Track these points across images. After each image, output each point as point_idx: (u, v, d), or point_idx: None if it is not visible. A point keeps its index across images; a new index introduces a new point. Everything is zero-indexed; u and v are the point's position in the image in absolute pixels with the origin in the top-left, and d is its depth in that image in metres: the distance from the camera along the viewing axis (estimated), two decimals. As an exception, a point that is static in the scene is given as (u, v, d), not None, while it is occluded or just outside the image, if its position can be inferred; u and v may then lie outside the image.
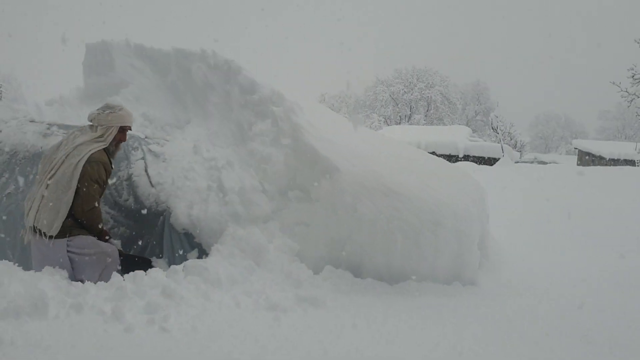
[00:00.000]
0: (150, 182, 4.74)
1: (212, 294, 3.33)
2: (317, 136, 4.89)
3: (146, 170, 4.84)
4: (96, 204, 3.92)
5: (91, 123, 4.06)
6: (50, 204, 3.74)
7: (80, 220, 3.88)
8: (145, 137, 5.25)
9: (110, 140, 4.03)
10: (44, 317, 2.85)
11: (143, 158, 4.95)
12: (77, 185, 3.78)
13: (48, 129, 5.11)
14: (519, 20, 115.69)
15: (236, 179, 4.81)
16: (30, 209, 3.86)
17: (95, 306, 3.03)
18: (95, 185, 3.88)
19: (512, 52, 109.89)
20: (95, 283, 3.48)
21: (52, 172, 3.82)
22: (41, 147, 4.88)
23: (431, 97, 57.36)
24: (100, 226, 3.99)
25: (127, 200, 4.75)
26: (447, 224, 4.33)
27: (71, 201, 3.77)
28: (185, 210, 4.54)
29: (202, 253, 4.42)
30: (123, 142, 4.24)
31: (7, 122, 5.25)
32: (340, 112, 56.38)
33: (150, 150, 5.03)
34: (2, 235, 4.55)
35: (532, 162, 28.49)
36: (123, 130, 4.13)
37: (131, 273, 3.57)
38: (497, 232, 5.98)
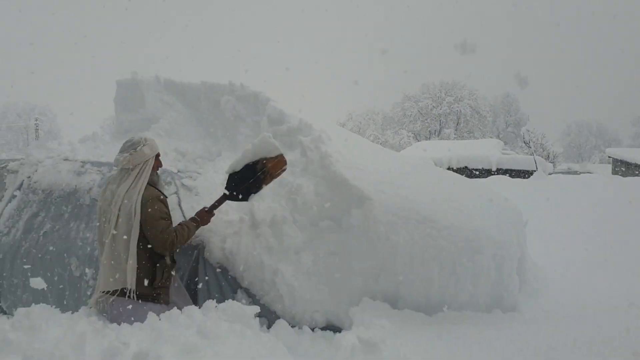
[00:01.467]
0: (184, 216, 4.77)
1: (247, 333, 3.30)
2: (346, 164, 4.85)
3: (180, 205, 4.86)
4: (173, 236, 3.85)
5: (124, 167, 3.97)
6: (124, 256, 3.71)
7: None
8: (178, 171, 5.30)
9: (151, 173, 4.00)
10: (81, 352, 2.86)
11: (176, 192, 4.97)
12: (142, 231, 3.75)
13: (82, 166, 5.18)
14: (546, 29, 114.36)
15: (267, 210, 4.80)
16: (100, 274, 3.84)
17: (131, 347, 3.02)
18: (162, 222, 3.83)
19: (541, 60, 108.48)
20: None
21: (111, 227, 3.78)
22: (75, 185, 4.96)
23: (460, 110, 56.99)
24: (189, 234, 4.00)
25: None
26: (484, 251, 4.24)
27: (136, 251, 3.71)
28: (219, 244, 4.54)
29: (237, 286, 4.40)
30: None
31: (42, 162, 5.36)
32: (367, 129, 56.39)
33: (183, 185, 5.06)
34: (40, 274, 4.62)
35: (565, 173, 27.91)
36: (157, 157, 4.11)
37: (167, 313, 3.56)
38: (536, 252, 5.83)
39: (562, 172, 31.20)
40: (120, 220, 3.74)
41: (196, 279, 4.37)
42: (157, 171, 4.13)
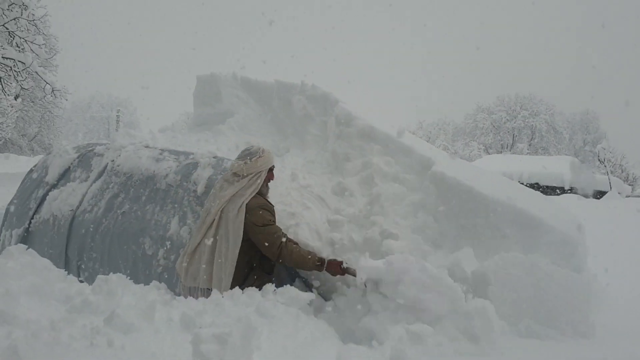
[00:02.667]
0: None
1: (302, 317, 3.50)
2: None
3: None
4: (282, 241, 3.90)
5: (236, 172, 4.08)
6: (220, 260, 3.85)
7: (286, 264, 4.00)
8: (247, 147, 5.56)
9: (262, 184, 4.10)
10: (152, 327, 3.13)
11: (244, 184, 5.24)
12: (245, 238, 3.86)
13: (160, 154, 5.53)
14: (632, 47, 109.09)
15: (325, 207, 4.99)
16: (188, 269, 3.98)
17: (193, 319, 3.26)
18: (269, 227, 3.90)
19: (624, 79, 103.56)
20: None
21: (210, 228, 3.92)
22: (153, 171, 5.30)
23: (535, 125, 55.41)
24: (305, 260, 3.92)
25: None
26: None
27: (236, 257, 3.83)
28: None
29: (295, 275, 4.59)
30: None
31: (125, 147, 5.76)
32: (437, 139, 55.72)
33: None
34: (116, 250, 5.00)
35: (646, 197, 26.59)
36: (271, 170, 4.22)
37: (229, 291, 3.79)
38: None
39: (643, 196, 29.77)
40: (221, 223, 3.91)
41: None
42: (269, 183, 4.26)
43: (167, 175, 5.21)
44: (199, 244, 4.00)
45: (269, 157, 4.19)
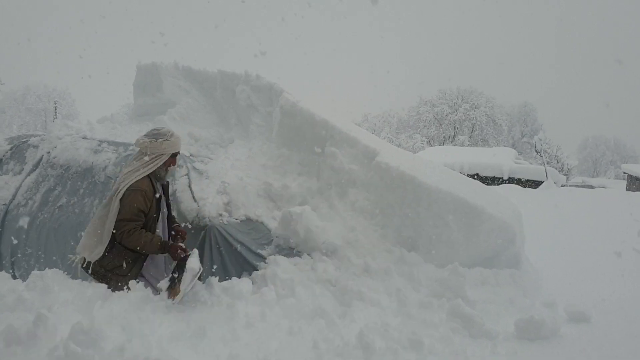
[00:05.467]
0: (194, 197, 4.92)
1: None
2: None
3: (190, 186, 5.02)
4: (127, 229, 3.83)
5: (140, 149, 4.03)
6: (98, 231, 3.80)
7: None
8: (190, 155, 5.46)
9: (160, 166, 4.03)
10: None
11: (187, 175, 5.14)
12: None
13: (99, 145, 5.35)
14: (568, 40, 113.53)
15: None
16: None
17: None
18: (129, 211, 3.83)
19: (561, 72, 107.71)
20: None
21: (109, 204, 3.86)
22: (92, 163, 5.13)
23: (476, 118, 56.76)
24: (148, 245, 3.87)
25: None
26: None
27: (111, 228, 3.78)
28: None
29: (241, 269, 4.53)
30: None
31: (61, 139, 5.54)
32: (382, 132, 56.37)
33: (194, 168, 5.23)
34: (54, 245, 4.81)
35: (580, 187, 27.81)
36: (174, 155, 4.14)
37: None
38: (532, 255, 5.94)
39: (577, 186, 31.05)
40: (113, 197, 3.85)
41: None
42: (169, 168, 4.15)
43: (106, 167, 5.05)
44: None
45: (176, 142, 4.11)
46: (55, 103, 49.01)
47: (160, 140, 3.99)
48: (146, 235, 3.87)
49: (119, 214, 3.79)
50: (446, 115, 57.56)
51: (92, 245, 3.78)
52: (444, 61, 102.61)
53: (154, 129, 4.12)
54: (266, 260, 4.46)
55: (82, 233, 4.65)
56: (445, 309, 3.78)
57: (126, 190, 3.81)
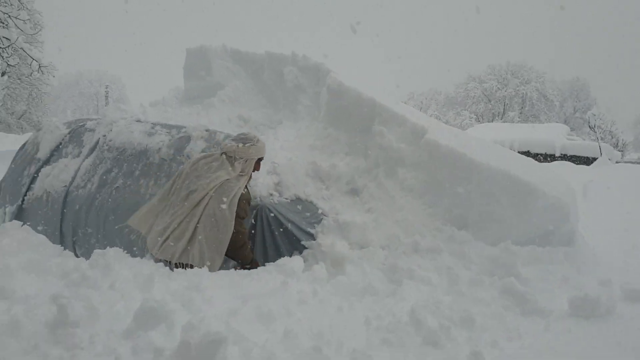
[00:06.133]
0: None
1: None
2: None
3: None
4: (246, 241, 4.05)
5: (225, 152, 4.12)
6: (211, 243, 3.85)
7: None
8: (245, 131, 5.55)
9: (250, 173, 4.15)
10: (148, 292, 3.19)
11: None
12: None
13: (152, 128, 5.50)
14: (621, 11, 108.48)
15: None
16: (165, 242, 3.92)
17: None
18: (242, 222, 4.02)
19: (615, 46, 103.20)
20: None
21: (198, 205, 3.92)
22: (146, 145, 5.28)
23: (526, 93, 55.33)
24: (249, 256, 4.14)
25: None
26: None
27: (228, 239, 3.87)
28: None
29: (293, 248, 4.61)
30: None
31: (116, 122, 5.72)
32: (429, 109, 55.63)
33: (244, 149, 5.31)
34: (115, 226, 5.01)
35: (635, 163, 26.78)
36: (259, 160, 4.26)
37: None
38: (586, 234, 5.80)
39: (633, 162, 29.94)
40: (210, 203, 3.90)
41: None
42: (253, 172, 4.29)
43: (159, 149, 5.18)
44: (181, 221, 3.94)
45: (262, 147, 4.22)
46: (107, 87, 50.40)
47: (248, 145, 4.10)
48: (248, 247, 4.14)
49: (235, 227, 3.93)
50: (495, 91, 56.28)
51: (212, 258, 3.86)
52: (493, 36, 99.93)
53: (241, 134, 4.22)
54: (317, 239, 4.53)
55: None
56: (497, 286, 3.76)
57: (232, 199, 3.92)
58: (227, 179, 3.97)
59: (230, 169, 4.04)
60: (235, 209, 3.91)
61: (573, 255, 4.58)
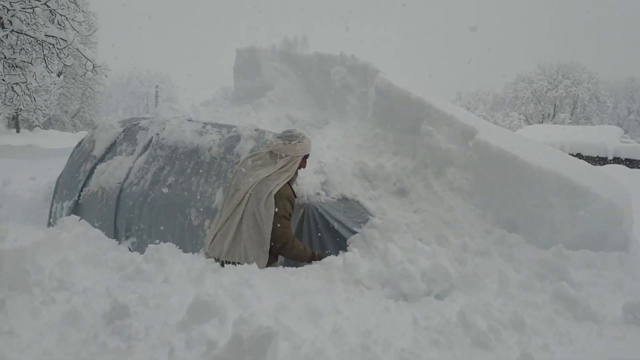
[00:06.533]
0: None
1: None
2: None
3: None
4: (288, 239, 3.99)
5: (273, 151, 4.12)
6: (254, 241, 3.88)
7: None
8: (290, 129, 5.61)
9: (294, 171, 4.12)
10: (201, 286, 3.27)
11: (286, 156, 5.30)
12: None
13: (203, 127, 5.62)
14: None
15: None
16: (214, 240, 4.01)
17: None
18: (285, 221, 3.97)
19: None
20: None
21: (239, 205, 3.96)
22: (197, 144, 5.40)
23: (578, 94, 53.77)
24: (303, 254, 4.08)
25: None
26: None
27: (269, 237, 3.88)
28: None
29: (339, 248, 4.63)
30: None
31: (169, 121, 5.87)
32: (477, 110, 54.73)
33: (292, 149, 5.38)
34: (162, 224, 5.14)
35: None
36: (305, 157, 4.23)
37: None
38: None
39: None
40: (250, 201, 3.93)
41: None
42: (299, 170, 4.27)
43: (210, 148, 5.29)
44: (227, 219, 4.01)
45: (308, 144, 4.19)
46: (157, 87, 51.69)
47: (294, 142, 4.08)
48: (300, 244, 4.09)
49: (276, 224, 3.91)
50: (545, 92, 54.94)
51: (256, 255, 3.89)
52: (543, 35, 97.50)
53: (286, 131, 4.21)
54: (363, 237, 4.54)
55: (189, 210, 4.96)
56: (548, 290, 3.68)
57: (275, 197, 3.92)
58: (267, 176, 3.98)
59: (271, 166, 4.05)
60: (272, 206, 3.87)
61: (627, 260, 4.44)
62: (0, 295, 2.91)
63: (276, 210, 3.91)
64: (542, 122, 52.26)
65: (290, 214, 4.09)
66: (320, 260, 4.10)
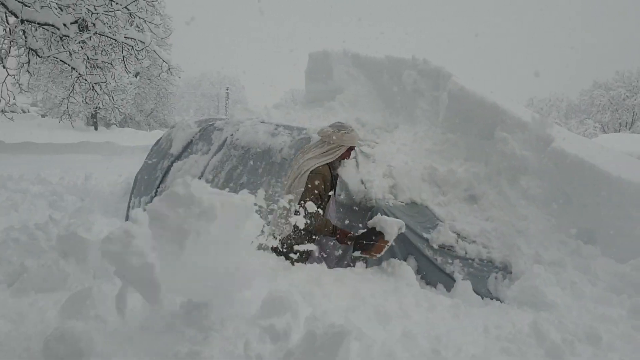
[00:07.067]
0: (361, 179, 5.11)
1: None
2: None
3: (357, 168, 5.20)
4: (317, 210, 4.11)
5: (321, 138, 4.38)
6: (284, 212, 4.11)
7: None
8: (358, 140, 5.65)
9: (338, 157, 4.36)
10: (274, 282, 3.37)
11: (355, 158, 5.34)
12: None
13: (275, 129, 5.75)
14: None
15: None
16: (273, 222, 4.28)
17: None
18: (312, 196, 4.15)
19: None
20: None
21: (290, 187, 4.23)
22: (269, 145, 5.53)
23: (660, 102, 50.97)
24: (325, 230, 4.20)
25: (340, 195, 5.18)
26: None
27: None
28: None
29: (407, 253, 4.61)
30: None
31: (243, 122, 6.04)
32: (549, 116, 52.97)
33: (362, 152, 5.42)
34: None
35: None
36: (349, 149, 4.47)
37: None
38: None
39: None
40: (296, 181, 4.20)
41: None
42: (343, 160, 4.51)
43: (282, 149, 5.41)
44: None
45: (355, 136, 4.40)
46: (227, 89, 52.96)
47: (342, 132, 4.33)
48: (323, 218, 4.23)
49: (306, 197, 4.12)
50: (623, 100, 52.40)
51: (280, 224, 4.14)
52: (621, 39, 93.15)
53: (338, 122, 4.47)
54: (430, 244, 4.51)
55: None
56: (626, 305, 3.56)
57: (310, 173, 4.16)
58: (310, 157, 4.23)
59: (318, 149, 4.30)
60: (304, 181, 4.08)
61: None
62: (86, 283, 3.10)
63: (309, 186, 4.11)
64: (619, 130, 49.91)
65: (322, 192, 4.22)
66: (345, 237, 4.22)
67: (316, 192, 4.18)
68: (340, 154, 4.36)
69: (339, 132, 4.32)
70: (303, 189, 4.12)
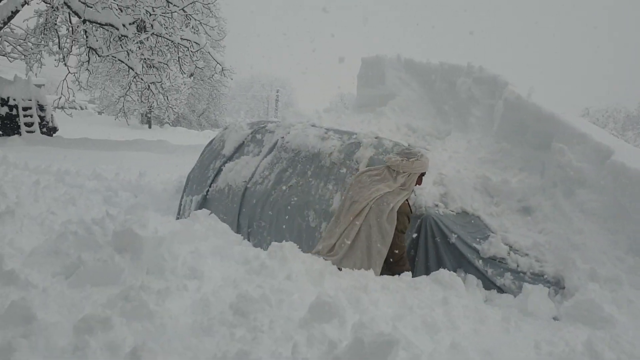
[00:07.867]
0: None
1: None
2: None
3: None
4: (404, 252, 4.23)
5: (390, 166, 4.32)
6: (370, 253, 4.11)
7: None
8: (408, 146, 5.60)
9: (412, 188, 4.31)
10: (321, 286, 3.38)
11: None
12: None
13: (325, 133, 5.76)
14: None
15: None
16: (334, 246, 4.23)
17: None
18: (402, 235, 4.19)
19: None
20: None
21: (358, 216, 4.18)
22: (319, 149, 5.54)
23: None
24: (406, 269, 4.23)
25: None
26: None
27: (387, 249, 4.09)
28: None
29: (458, 264, 4.52)
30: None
31: (294, 125, 6.09)
32: (606, 127, 51.19)
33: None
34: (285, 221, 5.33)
35: None
36: (421, 175, 4.40)
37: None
38: None
39: None
40: (370, 214, 4.15)
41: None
42: (415, 186, 4.44)
43: (331, 153, 5.42)
44: (345, 229, 4.19)
45: (426, 162, 4.32)
46: (278, 92, 53.44)
47: (412, 159, 4.27)
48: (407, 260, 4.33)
49: (395, 237, 4.14)
50: (687, 112, 50.16)
51: (374, 264, 4.09)
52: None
53: (405, 149, 4.42)
54: (481, 255, 4.42)
55: (308, 212, 5.10)
56: (688, 328, 3.40)
57: (398, 214, 4.14)
58: (388, 192, 4.13)
59: (391, 182, 4.21)
60: (394, 222, 4.05)
61: None
62: (139, 278, 3.18)
63: (400, 228, 4.11)
64: (681, 144, 47.84)
65: (406, 228, 4.25)
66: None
67: (403, 230, 4.21)
68: (414, 183, 4.32)
69: (408, 161, 4.25)
70: (390, 228, 4.07)
